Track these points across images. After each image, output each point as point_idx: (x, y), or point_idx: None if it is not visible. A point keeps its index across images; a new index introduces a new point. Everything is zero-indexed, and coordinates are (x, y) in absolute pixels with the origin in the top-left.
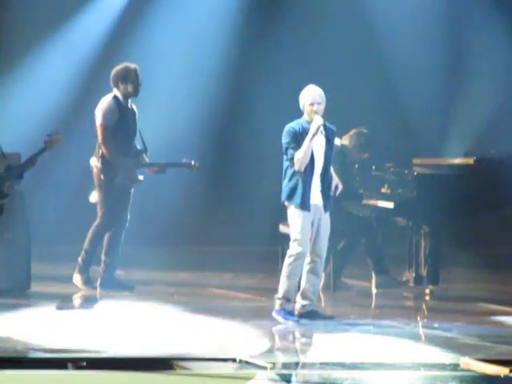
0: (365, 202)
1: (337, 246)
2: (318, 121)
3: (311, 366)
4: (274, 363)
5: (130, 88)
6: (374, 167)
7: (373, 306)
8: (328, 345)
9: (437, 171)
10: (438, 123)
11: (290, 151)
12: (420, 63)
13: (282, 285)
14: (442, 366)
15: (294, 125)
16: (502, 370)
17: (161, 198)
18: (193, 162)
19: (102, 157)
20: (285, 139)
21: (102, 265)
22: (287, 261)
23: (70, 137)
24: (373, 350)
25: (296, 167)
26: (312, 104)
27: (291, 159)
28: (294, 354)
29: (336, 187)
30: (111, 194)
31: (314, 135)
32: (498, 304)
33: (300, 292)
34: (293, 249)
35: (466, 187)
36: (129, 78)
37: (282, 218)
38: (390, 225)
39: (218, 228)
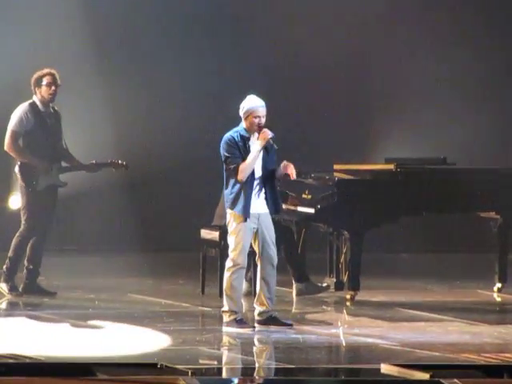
0: (285, 207)
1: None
2: (268, 134)
3: (232, 371)
4: (195, 369)
5: (45, 93)
6: None
7: (293, 311)
8: (248, 350)
9: (357, 177)
10: (359, 129)
11: (232, 162)
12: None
13: (226, 298)
14: (363, 372)
15: (233, 134)
16: (422, 375)
17: (82, 203)
18: (119, 161)
19: (20, 162)
20: (225, 150)
21: (25, 271)
22: (227, 273)
23: None
24: (291, 356)
25: (239, 177)
26: (258, 117)
27: (233, 169)
28: (215, 359)
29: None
30: (32, 200)
31: (262, 148)
32: (418, 310)
33: (256, 298)
34: (232, 259)
35: (386, 193)
36: (44, 82)
37: (204, 223)
38: (310, 230)
39: (136, 234)
